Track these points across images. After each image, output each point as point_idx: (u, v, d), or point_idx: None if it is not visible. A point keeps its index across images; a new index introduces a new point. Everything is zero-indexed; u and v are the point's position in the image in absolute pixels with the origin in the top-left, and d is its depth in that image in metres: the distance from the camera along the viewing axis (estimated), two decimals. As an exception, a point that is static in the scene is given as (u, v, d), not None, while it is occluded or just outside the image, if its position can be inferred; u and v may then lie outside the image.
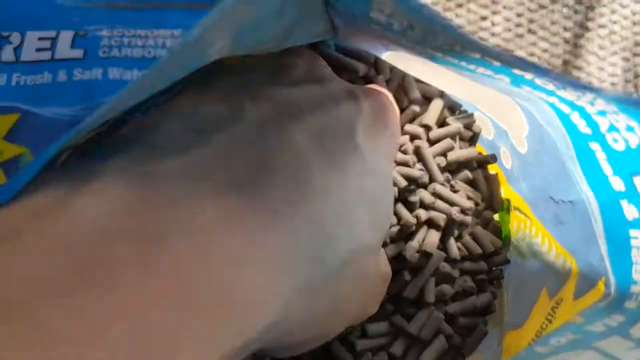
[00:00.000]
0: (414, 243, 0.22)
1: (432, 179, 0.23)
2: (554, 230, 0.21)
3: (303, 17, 0.18)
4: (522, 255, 0.24)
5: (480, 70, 0.17)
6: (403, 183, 0.22)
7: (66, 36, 0.20)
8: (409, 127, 0.23)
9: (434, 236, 0.22)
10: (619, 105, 0.17)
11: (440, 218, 0.22)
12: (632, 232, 0.19)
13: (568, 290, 0.20)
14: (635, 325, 0.17)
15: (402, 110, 0.23)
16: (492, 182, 0.24)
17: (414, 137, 0.23)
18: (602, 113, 0.19)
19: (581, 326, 0.19)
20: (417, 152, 0.23)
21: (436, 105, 0.23)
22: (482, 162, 0.24)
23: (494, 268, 0.24)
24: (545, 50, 0.33)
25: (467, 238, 0.23)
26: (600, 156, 0.19)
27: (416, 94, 0.23)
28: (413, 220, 0.22)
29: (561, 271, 0.21)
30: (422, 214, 0.22)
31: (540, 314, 0.21)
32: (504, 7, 0.33)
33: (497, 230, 0.24)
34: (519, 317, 0.22)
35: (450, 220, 0.22)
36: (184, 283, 0.13)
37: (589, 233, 0.20)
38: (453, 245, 0.22)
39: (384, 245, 0.21)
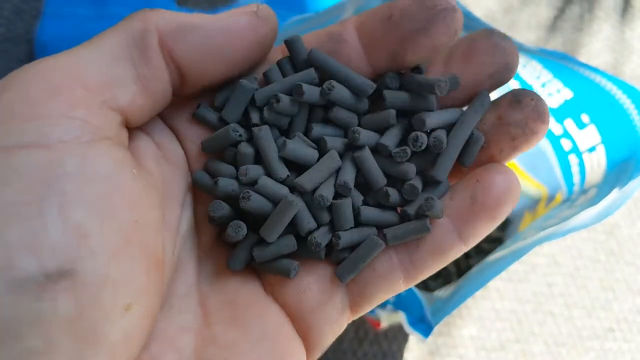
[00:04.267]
0: None
1: None
2: (531, 172, 0.28)
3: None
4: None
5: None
6: None
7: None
8: None
9: None
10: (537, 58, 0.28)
11: None
12: (570, 157, 0.29)
13: (541, 204, 0.30)
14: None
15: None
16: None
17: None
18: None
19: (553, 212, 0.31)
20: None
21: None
22: None
23: None
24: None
25: None
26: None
27: None
28: None
29: (535, 196, 0.29)
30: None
31: (525, 223, 0.31)
32: None
33: None
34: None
35: None
36: None
37: (550, 167, 0.28)
38: None
39: None
